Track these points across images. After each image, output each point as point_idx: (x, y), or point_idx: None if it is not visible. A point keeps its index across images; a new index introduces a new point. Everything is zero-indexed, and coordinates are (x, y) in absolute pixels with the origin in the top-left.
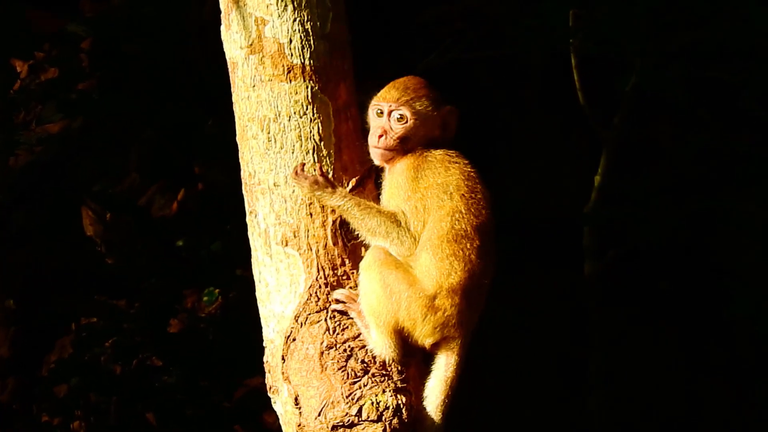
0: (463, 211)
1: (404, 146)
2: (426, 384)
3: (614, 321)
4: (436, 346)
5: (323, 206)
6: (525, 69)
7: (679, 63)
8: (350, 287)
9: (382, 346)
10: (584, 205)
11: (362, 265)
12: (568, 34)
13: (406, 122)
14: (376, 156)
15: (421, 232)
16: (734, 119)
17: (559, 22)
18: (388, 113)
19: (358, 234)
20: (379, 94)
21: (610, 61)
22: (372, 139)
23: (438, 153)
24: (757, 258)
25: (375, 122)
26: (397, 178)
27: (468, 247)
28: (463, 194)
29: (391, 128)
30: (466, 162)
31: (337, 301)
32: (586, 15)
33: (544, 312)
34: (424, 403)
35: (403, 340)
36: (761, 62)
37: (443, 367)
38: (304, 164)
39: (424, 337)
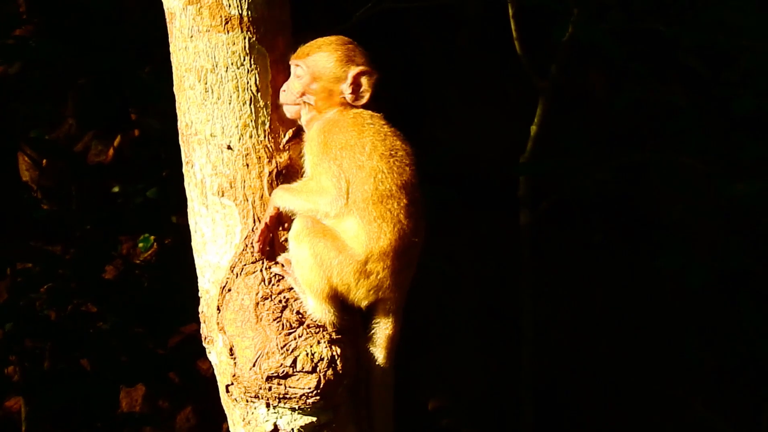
0: (385, 170)
1: (312, 105)
2: (368, 345)
3: (546, 271)
4: (373, 307)
5: (259, 157)
6: (460, 19)
7: (615, 14)
8: (285, 239)
9: (320, 312)
10: (520, 154)
11: (290, 234)
12: None
13: (302, 78)
14: (286, 113)
15: (346, 192)
16: (669, 72)
17: None
18: (294, 68)
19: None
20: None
21: (546, 11)
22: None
23: (349, 114)
24: (687, 210)
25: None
26: (309, 143)
27: (395, 206)
28: (382, 153)
29: (292, 83)
30: (383, 123)
31: (277, 263)
32: None
33: (477, 262)
34: (369, 361)
35: (341, 302)
36: (696, 14)
37: (383, 327)
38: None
39: (359, 300)
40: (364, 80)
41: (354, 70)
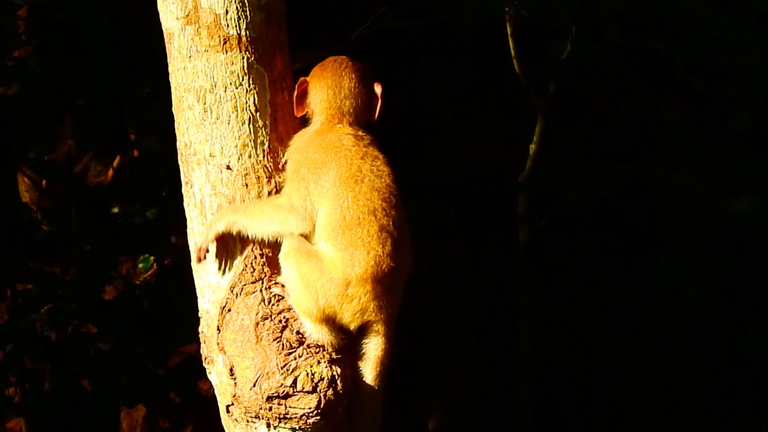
0: (350, 199)
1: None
2: (360, 364)
3: (544, 285)
4: (363, 327)
5: (258, 177)
6: (457, 37)
7: (612, 31)
8: None
9: (317, 333)
10: (518, 171)
11: (280, 256)
12: (503, 2)
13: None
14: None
15: (311, 215)
16: (666, 87)
17: None
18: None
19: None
20: None
21: (543, 28)
22: None
23: (328, 130)
24: (685, 226)
25: None
26: (291, 154)
27: (365, 234)
28: (347, 179)
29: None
30: (359, 142)
31: (277, 284)
32: None
33: (475, 277)
34: (360, 382)
35: (334, 322)
36: (693, 30)
37: (372, 347)
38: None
39: (347, 323)
40: (379, 96)
41: (378, 88)
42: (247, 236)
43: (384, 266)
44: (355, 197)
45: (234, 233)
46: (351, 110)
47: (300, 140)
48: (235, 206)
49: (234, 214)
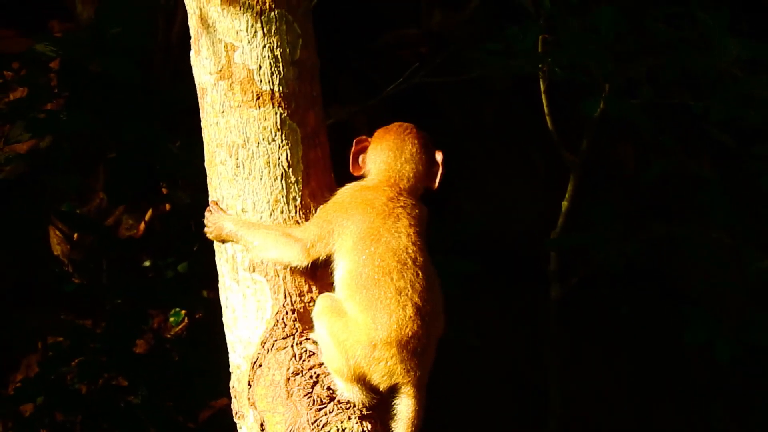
0: (367, 256)
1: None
2: (391, 423)
3: (575, 346)
4: (393, 388)
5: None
6: (489, 93)
7: (645, 89)
8: None
9: (348, 392)
10: (549, 228)
11: (313, 314)
12: (537, 59)
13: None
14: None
15: (319, 251)
16: (698, 145)
17: (526, 47)
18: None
19: (254, 255)
20: None
21: (575, 86)
22: None
23: (372, 190)
24: (715, 284)
25: None
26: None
27: (384, 295)
28: (373, 237)
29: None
30: (401, 205)
31: (308, 339)
32: (554, 40)
33: (504, 334)
34: None
35: (365, 382)
36: (725, 89)
37: (403, 410)
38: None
39: (376, 383)
40: (440, 163)
41: (439, 156)
42: (248, 253)
43: (408, 330)
44: (371, 256)
45: (235, 242)
46: (411, 175)
47: (345, 188)
48: (248, 221)
49: (243, 227)
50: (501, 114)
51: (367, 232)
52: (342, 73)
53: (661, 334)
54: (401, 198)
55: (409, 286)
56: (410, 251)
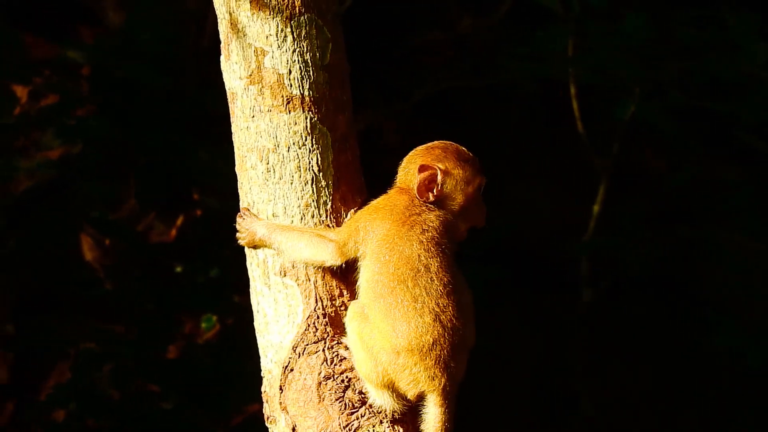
0: (383, 262)
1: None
2: (421, 427)
3: (601, 351)
4: (420, 397)
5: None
6: (517, 98)
7: (674, 94)
8: None
9: (379, 399)
10: (577, 233)
11: (345, 319)
12: (567, 63)
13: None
14: None
15: (350, 249)
16: (727, 149)
17: (556, 50)
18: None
19: (287, 257)
20: None
21: (604, 90)
22: None
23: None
24: (743, 290)
25: None
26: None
27: (401, 302)
28: (389, 244)
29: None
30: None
31: (340, 344)
32: (583, 44)
33: (531, 340)
34: None
35: (394, 389)
36: (754, 93)
37: (431, 418)
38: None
39: (404, 391)
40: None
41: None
42: (282, 256)
43: (428, 336)
44: (386, 263)
45: (268, 246)
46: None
47: (384, 197)
48: (281, 224)
49: (276, 230)
50: (526, 118)
51: (384, 238)
52: (368, 78)
53: (688, 340)
54: (432, 212)
55: (424, 293)
56: (423, 258)
